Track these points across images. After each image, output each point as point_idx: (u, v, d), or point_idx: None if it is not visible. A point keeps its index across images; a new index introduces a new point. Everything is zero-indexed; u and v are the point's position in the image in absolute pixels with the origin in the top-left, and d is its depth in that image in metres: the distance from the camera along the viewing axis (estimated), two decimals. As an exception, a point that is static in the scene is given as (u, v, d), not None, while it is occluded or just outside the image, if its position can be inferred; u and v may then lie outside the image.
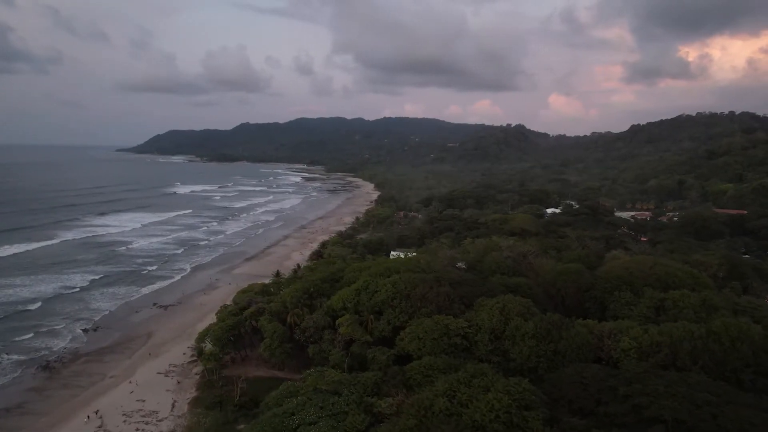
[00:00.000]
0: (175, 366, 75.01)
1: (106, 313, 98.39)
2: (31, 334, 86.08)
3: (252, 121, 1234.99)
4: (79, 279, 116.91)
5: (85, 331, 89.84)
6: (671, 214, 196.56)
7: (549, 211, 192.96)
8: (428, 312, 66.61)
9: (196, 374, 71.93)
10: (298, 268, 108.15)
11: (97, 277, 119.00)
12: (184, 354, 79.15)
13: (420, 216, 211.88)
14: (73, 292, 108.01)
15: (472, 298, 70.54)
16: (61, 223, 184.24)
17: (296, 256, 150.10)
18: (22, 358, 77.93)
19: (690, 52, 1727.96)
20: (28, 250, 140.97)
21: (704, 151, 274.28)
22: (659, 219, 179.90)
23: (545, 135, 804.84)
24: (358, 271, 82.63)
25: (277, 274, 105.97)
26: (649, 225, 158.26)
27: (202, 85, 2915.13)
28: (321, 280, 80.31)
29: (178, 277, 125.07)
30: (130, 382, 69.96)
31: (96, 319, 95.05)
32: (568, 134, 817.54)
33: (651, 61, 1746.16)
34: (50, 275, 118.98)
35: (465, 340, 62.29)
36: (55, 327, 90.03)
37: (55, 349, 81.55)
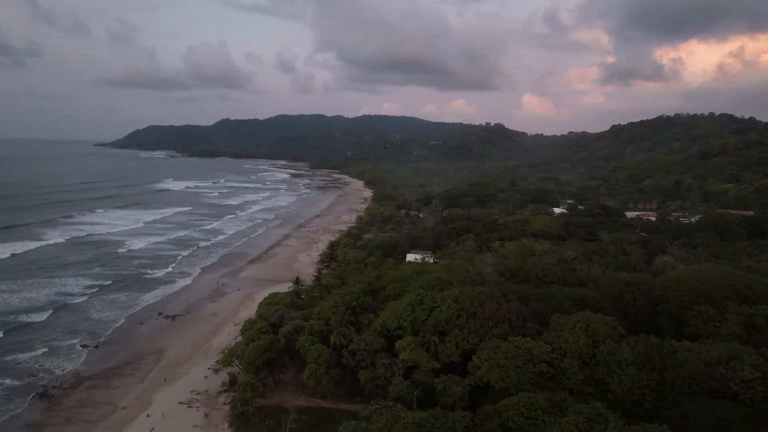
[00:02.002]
0: (197, 393, 63.07)
1: (108, 325, 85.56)
2: (25, 353, 73.19)
3: (232, 117, 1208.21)
4: (73, 284, 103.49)
5: (85, 347, 77.16)
6: (677, 214, 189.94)
7: (557, 211, 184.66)
8: (501, 333, 56.18)
9: (225, 404, 60.16)
10: (319, 274, 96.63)
11: (93, 282, 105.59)
12: (206, 377, 67.28)
13: (422, 215, 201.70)
14: (68, 300, 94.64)
15: (544, 315, 60.42)
16: (50, 222, 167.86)
17: (303, 257, 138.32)
18: (15, 383, 65.16)
19: (664, 55, 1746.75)
20: (15, 252, 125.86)
21: (697, 152, 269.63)
22: (667, 219, 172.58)
23: (523, 134, 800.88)
24: (401, 281, 71.83)
25: (297, 281, 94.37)
26: (664, 226, 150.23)
27: (182, 81, 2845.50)
28: (363, 292, 69.01)
29: (181, 282, 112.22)
30: (148, 415, 58.00)
31: (97, 332, 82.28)
32: (544, 134, 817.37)
33: (627, 63, 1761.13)
34: (41, 280, 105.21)
35: (550, 367, 52.08)
36: (52, 342, 77.18)
37: (53, 370, 68.94)
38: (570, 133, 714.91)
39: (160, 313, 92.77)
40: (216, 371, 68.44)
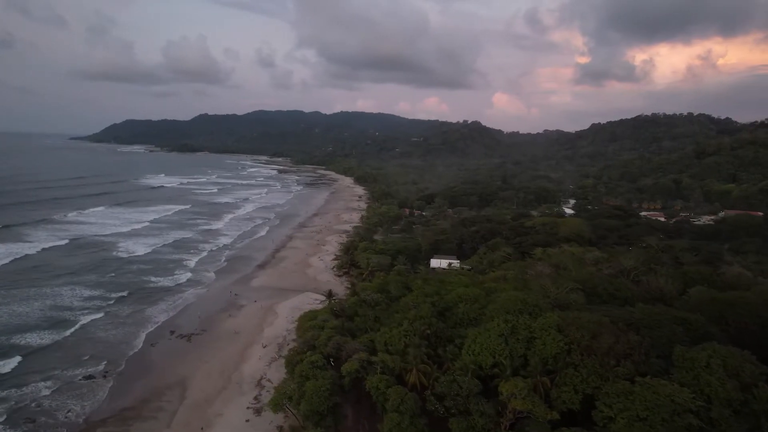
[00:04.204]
0: (243, 444, 50.17)
1: (118, 348, 71.50)
2: (21, 389, 58.96)
3: (210, 113, 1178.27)
4: (69, 296, 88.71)
5: (90, 378, 63.18)
6: (684, 215, 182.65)
7: (568, 211, 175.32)
8: (625, 373, 44.83)
9: (281, 460, 47.43)
10: (354, 287, 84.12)
11: (92, 293, 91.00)
12: (248, 421, 54.26)
13: (425, 214, 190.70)
14: (69, 317, 79.68)
15: (661, 348, 49.33)
16: (39, 223, 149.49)
17: (315, 261, 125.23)
18: (11, 432, 51.23)
19: (636, 56, 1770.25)
20: (16, 257, 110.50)
21: (692, 151, 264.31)
22: (684, 221, 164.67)
23: (500, 131, 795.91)
24: (472, 302, 59.90)
25: (330, 294, 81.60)
26: (685, 229, 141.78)
27: (160, 75, 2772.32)
28: (435, 317, 56.82)
29: (190, 292, 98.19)
30: (188, 480, 44.92)
31: (106, 358, 68.09)
32: (519, 131, 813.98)
33: (601, 64, 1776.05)
34: (31, 290, 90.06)
35: (697, 419, 40.97)
36: (53, 373, 63.07)
37: (57, 414, 54.90)
38: (546, 131, 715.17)
39: (172, 332, 79.00)
40: (257, 411, 55.80)
